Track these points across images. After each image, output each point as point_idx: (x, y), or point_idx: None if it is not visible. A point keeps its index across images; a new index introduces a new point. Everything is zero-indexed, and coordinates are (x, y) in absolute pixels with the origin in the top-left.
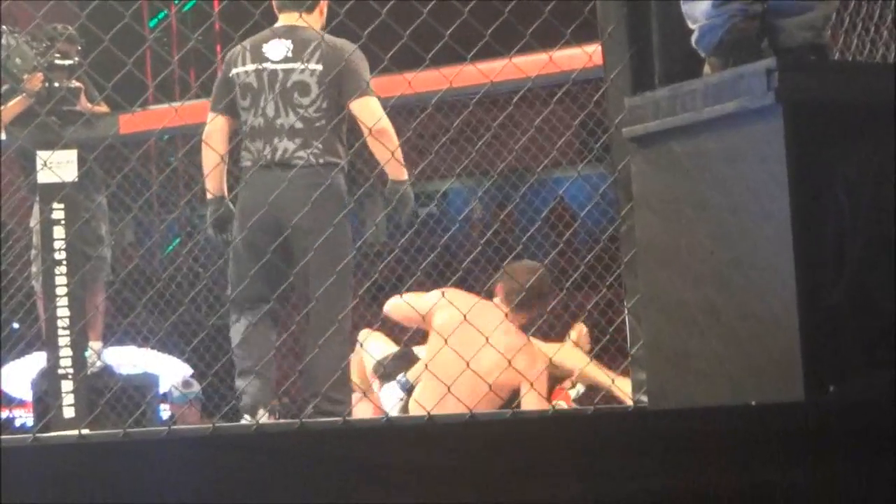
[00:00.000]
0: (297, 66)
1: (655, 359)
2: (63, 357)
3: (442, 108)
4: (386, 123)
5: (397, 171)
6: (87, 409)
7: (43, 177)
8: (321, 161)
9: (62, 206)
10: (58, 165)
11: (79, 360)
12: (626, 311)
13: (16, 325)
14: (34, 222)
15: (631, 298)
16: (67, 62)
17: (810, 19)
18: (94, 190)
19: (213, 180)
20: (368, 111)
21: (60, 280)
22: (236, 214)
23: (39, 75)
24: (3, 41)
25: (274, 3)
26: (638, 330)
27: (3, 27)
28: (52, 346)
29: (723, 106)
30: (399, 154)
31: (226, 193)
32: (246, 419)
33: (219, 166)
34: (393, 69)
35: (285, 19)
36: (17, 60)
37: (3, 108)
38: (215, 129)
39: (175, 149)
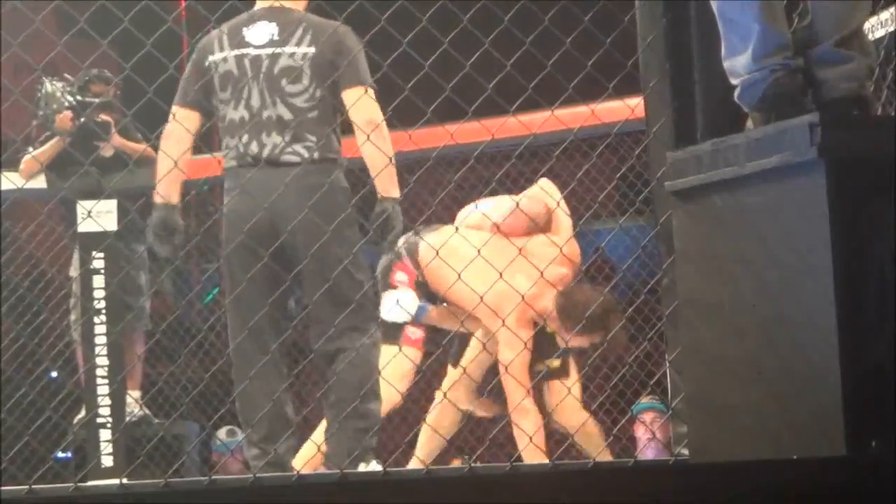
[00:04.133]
0: (286, 49)
1: (697, 412)
2: (102, 406)
3: (482, 160)
4: (380, 120)
5: (389, 184)
6: (127, 458)
7: (83, 226)
8: (316, 156)
9: (102, 255)
10: (98, 215)
11: (118, 410)
12: (667, 364)
13: (54, 374)
14: (73, 271)
15: (672, 351)
16: (97, 99)
17: (852, 70)
18: (132, 239)
19: (165, 184)
20: (363, 103)
21: (100, 329)
22: (224, 225)
23: (69, 113)
24: (44, 90)
25: None
26: (679, 383)
27: (44, 77)
28: (91, 396)
29: (766, 160)
30: (392, 164)
31: (177, 202)
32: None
33: (174, 169)
34: (435, 121)
35: (264, 2)
36: (55, 106)
37: (39, 151)
38: (178, 125)
39: (214, 198)
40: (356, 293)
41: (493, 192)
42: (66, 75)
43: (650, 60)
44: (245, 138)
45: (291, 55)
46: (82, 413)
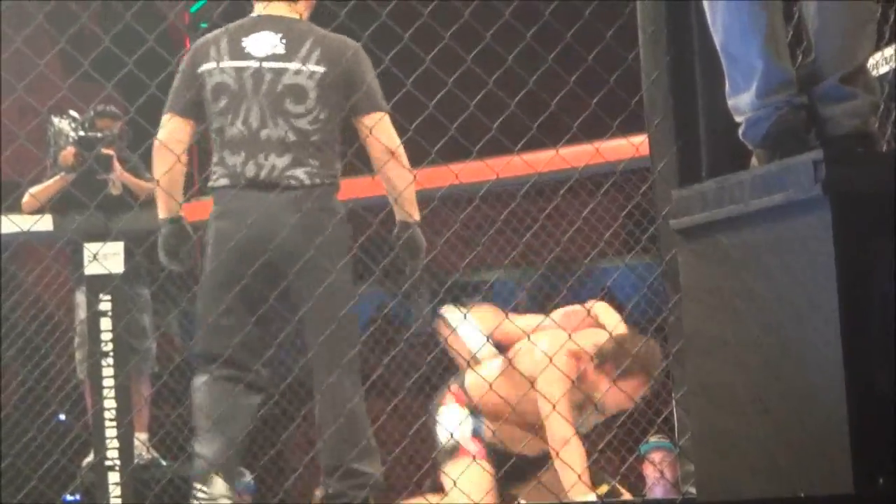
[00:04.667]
0: (291, 65)
1: (703, 450)
2: (110, 449)
3: (487, 199)
4: (399, 146)
5: (410, 209)
6: (135, 500)
7: (90, 268)
8: (317, 181)
9: (109, 297)
10: (104, 257)
11: (126, 452)
12: (673, 403)
13: (62, 417)
14: (79, 311)
15: (679, 390)
16: (99, 134)
17: (857, 107)
18: (136, 282)
19: (165, 198)
20: (383, 130)
21: (107, 372)
22: (210, 248)
23: (72, 149)
24: (53, 129)
25: None
26: (686, 421)
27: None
28: (99, 439)
29: (770, 198)
30: (413, 189)
31: (183, 214)
32: (198, 490)
33: (177, 181)
34: (439, 160)
35: (265, 9)
36: (61, 143)
37: (40, 188)
38: (174, 135)
39: None
40: (351, 332)
41: (500, 232)
42: (72, 112)
43: (654, 98)
44: (241, 157)
45: (297, 72)
46: (91, 456)
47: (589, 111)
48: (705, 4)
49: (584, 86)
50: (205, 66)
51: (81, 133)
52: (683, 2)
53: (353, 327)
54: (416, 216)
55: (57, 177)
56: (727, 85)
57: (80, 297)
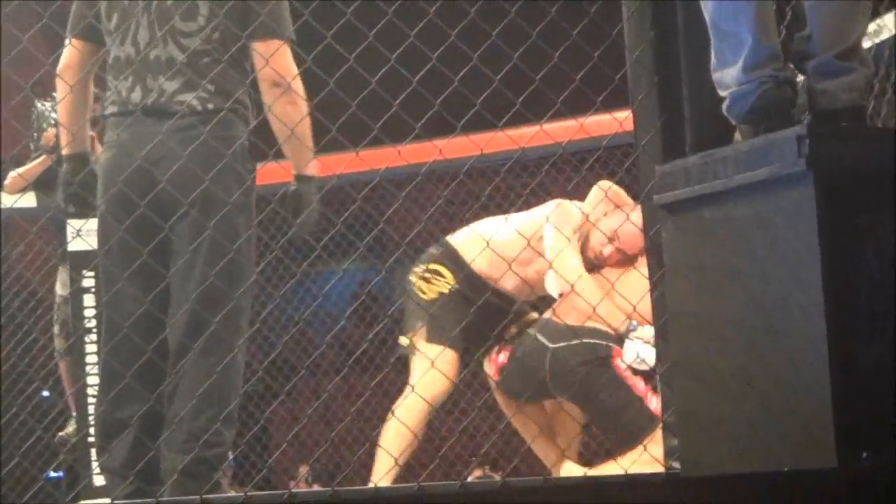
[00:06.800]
0: None
1: (688, 425)
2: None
3: (471, 175)
4: (298, 86)
5: (301, 159)
6: None
7: (73, 245)
8: (210, 107)
9: (92, 274)
10: (87, 234)
11: None
12: (657, 377)
13: (46, 393)
14: (59, 288)
15: (663, 365)
16: None
17: (853, 81)
18: None
19: (71, 129)
20: (277, 60)
21: (90, 348)
22: (99, 184)
23: (53, 130)
24: (36, 111)
25: None
26: (670, 396)
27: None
28: (81, 415)
29: (754, 173)
30: (305, 132)
31: (90, 149)
32: None
33: (77, 110)
34: (423, 136)
35: None
36: (44, 125)
37: (24, 168)
38: (71, 60)
39: None
40: (232, 281)
41: (484, 208)
42: (54, 94)
43: (638, 74)
44: (129, 81)
45: None
46: (69, 427)
47: (573, 86)
48: None
49: (568, 61)
50: None
51: None
52: None
53: (240, 282)
54: (310, 170)
55: (41, 158)
56: (713, 59)
57: (63, 275)
